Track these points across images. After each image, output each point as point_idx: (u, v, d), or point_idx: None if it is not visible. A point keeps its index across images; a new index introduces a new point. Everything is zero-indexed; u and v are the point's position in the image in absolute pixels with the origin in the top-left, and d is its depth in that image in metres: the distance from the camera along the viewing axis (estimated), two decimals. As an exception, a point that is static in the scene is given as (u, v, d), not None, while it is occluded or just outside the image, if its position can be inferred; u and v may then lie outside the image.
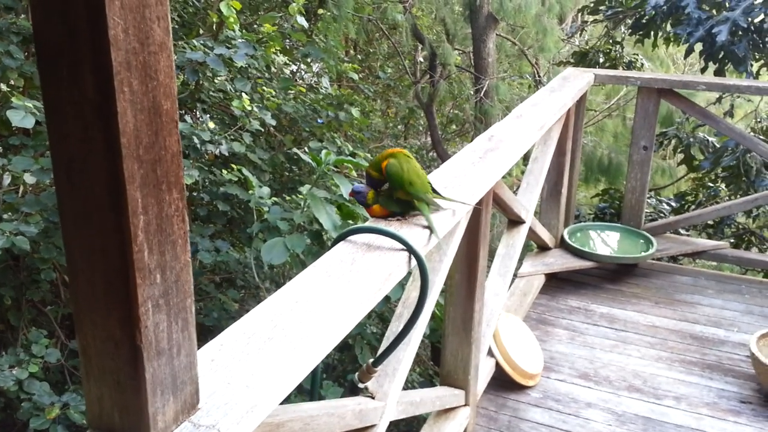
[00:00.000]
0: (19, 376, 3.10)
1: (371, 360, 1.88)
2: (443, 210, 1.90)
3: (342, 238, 1.69)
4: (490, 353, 2.93)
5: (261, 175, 4.84)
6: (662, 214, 5.50)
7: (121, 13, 0.83)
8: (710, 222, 5.51)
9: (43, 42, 0.85)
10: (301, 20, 5.03)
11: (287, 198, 4.20)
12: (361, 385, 1.90)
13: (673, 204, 5.84)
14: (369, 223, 1.78)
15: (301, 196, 3.67)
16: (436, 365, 5.34)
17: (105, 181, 0.88)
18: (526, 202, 3.13)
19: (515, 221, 3.08)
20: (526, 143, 2.70)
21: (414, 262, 1.67)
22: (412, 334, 1.92)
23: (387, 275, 1.57)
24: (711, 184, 5.91)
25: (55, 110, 0.87)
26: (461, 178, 2.14)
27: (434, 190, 1.91)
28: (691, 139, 5.31)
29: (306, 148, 4.62)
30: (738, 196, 5.11)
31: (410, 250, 1.65)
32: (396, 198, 1.82)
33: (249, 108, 4.36)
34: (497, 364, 2.95)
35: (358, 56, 9.12)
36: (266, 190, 3.77)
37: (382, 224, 1.76)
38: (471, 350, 2.51)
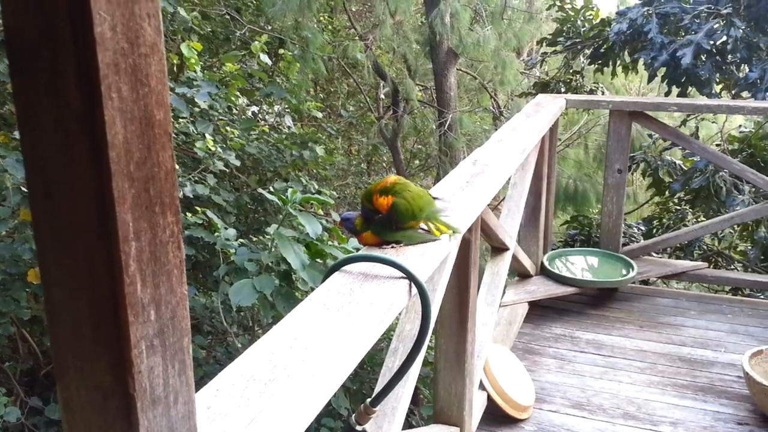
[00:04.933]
0: (-23, 439, 2.89)
1: (369, 399, 1.75)
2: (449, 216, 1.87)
3: (336, 268, 1.57)
4: (482, 386, 2.81)
5: (226, 217, 4.71)
6: (633, 239, 5.50)
7: (108, 7, 0.72)
8: (678, 245, 5.53)
9: (17, 41, 0.73)
10: (264, 57, 4.97)
11: (254, 239, 4.06)
12: (359, 428, 1.76)
13: (642, 228, 5.86)
14: (364, 252, 1.67)
15: (268, 237, 3.54)
16: (411, 403, 5.19)
17: (91, 202, 0.76)
18: (508, 228, 3.06)
19: (499, 248, 2.99)
20: (510, 167, 2.64)
21: (414, 290, 1.57)
22: (411, 369, 1.80)
23: (389, 305, 1.45)
24: (677, 208, 5.95)
25: (31, 121, 0.75)
26: (451, 204, 2.06)
27: (435, 198, 1.87)
28: (659, 163, 5.35)
29: (271, 188, 4.51)
30: (709, 216, 5.14)
31: (411, 278, 1.54)
32: (404, 228, 1.73)
33: (213, 148, 4.24)
34: (489, 398, 2.83)
35: (320, 95, 9.08)
36: (232, 231, 3.64)
37: (377, 252, 1.65)
38: (465, 384, 2.39)
